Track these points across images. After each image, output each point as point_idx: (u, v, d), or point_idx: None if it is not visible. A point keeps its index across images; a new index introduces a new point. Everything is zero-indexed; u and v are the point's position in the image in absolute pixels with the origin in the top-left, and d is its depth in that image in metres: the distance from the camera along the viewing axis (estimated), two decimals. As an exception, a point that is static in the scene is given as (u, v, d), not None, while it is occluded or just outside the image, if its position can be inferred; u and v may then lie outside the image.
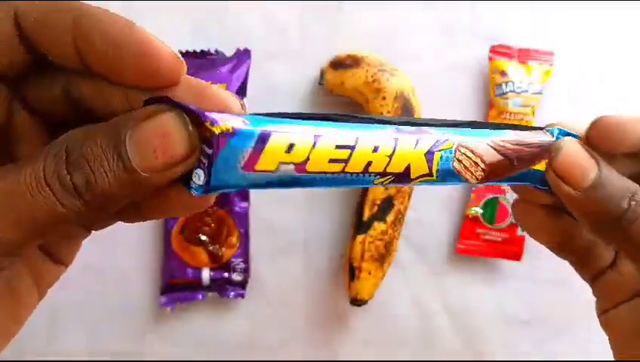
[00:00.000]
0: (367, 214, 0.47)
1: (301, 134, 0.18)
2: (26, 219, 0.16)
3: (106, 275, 0.49)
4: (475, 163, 0.22)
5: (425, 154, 0.20)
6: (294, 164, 0.18)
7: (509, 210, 0.51)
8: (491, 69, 0.50)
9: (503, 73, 0.49)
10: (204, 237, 0.49)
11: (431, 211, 0.52)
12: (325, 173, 0.18)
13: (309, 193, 0.51)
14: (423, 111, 0.48)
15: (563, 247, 0.26)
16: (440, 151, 0.21)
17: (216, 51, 0.48)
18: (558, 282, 0.51)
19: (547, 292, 0.52)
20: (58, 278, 0.21)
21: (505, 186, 0.51)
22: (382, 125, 0.20)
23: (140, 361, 0.50)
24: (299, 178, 0.18)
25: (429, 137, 0.21)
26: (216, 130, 0.16)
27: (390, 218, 0.47)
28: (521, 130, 0.23)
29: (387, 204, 0.47)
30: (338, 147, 0.18)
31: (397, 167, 0.20)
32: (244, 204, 0.50)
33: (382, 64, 0.47)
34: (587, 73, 0.51)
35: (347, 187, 0.20)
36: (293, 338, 0.51)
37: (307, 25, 0.50)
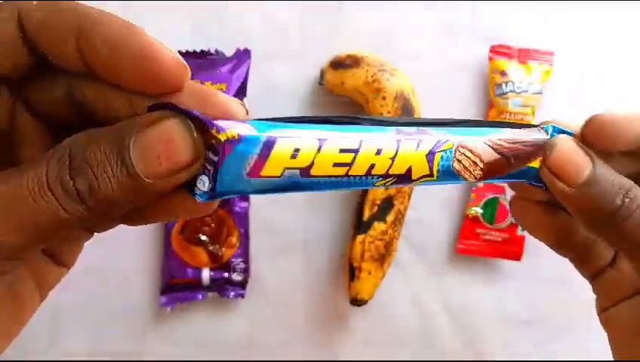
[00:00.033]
0: (367, 214, 0.47)
1: (306, 139, 0.18)
2: (29, 224, 0.16)
3: (106, 275, 0.49)
4: (474, 162, 0.22)
5: (426, 156, 0.20)
6: (299, 168, 0.18)
7: (509, 210, 0.51)
8: (491, 69, 0.50)
9: (503, 73, 0.49)
10: (204, 237, 0.49)
11: (431, 211, 0.52)
12: (329, 176, 0.18)
13: (310, 193, 0.50)
14: (423, 111, 0.48)
15: (561, 244, 0.26)
16: (441, 152, 0.21)
17: (216, 51, 0.48)
18: (558, 282, 0.51)
19: (547, 292, 0.52)
20: (60, 280, 0.21)
21: (505, 185, 0.51)
22: (383, 127, 0.20)
23: (140, 361, 0.50)
24: (303, 182, 0.18)
25: (430, 138, 0.21)
26: (222, 138, 0.16)
27: (390, 218, 0.47)
28: (518, 128, 0.23)
29: (387, 204, 0.47)
30: (342, 151, 0.18)
31: (399, 169, 0.20)
32: (244, 204, 0.50)
33: (382, 64, 0.47)
34: (587, 73, 0.52)
35: (349, 189, 0.20)
36: (293, 338, 0.51)
37: (307, 25, 0.50)
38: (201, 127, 0.16)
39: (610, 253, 0.26)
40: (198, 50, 0.47)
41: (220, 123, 0.16)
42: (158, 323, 0.50)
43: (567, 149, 0.22)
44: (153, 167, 0.16)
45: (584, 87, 0.51)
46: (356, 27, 0.50)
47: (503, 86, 0.49)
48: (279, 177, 0.17)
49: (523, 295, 0.52)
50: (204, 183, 0.17)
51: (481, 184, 0.50)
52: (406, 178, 0.20)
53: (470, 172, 0.22)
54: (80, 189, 0.16)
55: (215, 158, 0.16)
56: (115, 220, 0.21)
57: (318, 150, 0.18)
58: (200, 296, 0.49)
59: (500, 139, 0.22)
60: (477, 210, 0.51)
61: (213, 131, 0.16)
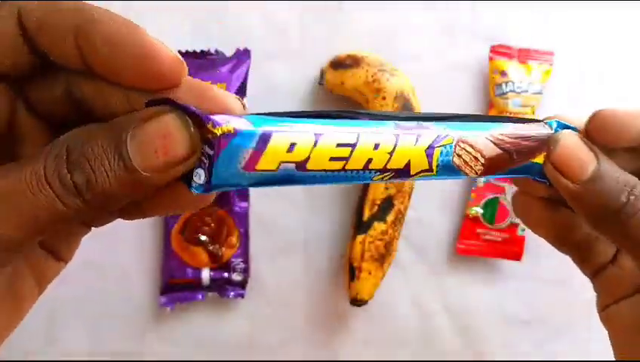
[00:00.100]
0: (367, 214, 0.47)
1: (302, 133, 0.18)
2: (27, 217, 0.16)
3: (106, 275, 0.49)
4: (475, 158, 0.22)
5: (425, 150, 0.20)
6: (295, 162, 0.18)
7: (510, 210, 0.51)
8: (491, 69, 0.50)
9: (503, 73, 0.49)
10: (204, 237, 0.49)
11: (431, 211, 0.52)
12: (326, 170, 0.18)
13: (309, 193, 0.51)
14: (423, 111, 0.48)
15: (563, 241, 0.26)
16: (440, 146, 0.21)
17: (216, 51, 0.48)
18: (558, 282, 0.51)
19: (547, 292, 0.52)
20: (58, 274, 0.22)
21: (505, 185, 0.51)
22: (382, 121, 0.20)
23: (140, 361, 0.50)
24: (299, 176, 0.18)
25: (430, 133, 0.21)
26: (218, 132, 0.16)
27: (390, 218, 0.47)
28: (521, 122, 0.23)
29: (387, 204, 0.47)
30: (339, 145, 0.18)
31: (397, 163, 0.20)
32: (244, 204, 0.50)
33: (382, 64, 0.47)
34: (587, 73, 0.52)
35: (346, 183, 0.20)
36: (293, 338, 0.51)
37: (307, 25, 0.50)
38: (198, 121, 0.17)
39: (612, 249, 0.25)
40: (198, 50, 0.47)
41: (216, 117, 0.17)
42: (158, 323, 0.50)
43: (572, 145, 0.22)
44: (150, 160, 0.16)
45: (584, 87, 0.51)
46: (356, 27, 0.50)
47: (503, 86, 0.49)
48: (275, 171, 0.18)
49: (523, 295, 0.52)
50: (200, 176, 0.17)
51: (481, 183, 0.50)
52: (405, 172, 0.20)
53: (471, 167, 0.22)
54: (77, 183, 0.16)
55: (211, 152, 0.17)
56: (112, 214, 0.21)
57: (315, 144, 0.18)
58: (200, 296, 0.49)
59: (502, 135, 0.22)
60: (477, 210, 0.51)
61: (209, 126, 0.16)
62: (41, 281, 0.21)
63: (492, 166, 0.22)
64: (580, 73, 0.51)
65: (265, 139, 0.17)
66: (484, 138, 0.22)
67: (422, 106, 0.48)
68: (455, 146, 0.21)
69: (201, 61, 0.47)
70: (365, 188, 0.48)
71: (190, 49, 0.47)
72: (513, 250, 0.51)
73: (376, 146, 0.19)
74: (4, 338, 0.20)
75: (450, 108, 0.51)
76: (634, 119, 0.22)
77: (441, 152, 0.21)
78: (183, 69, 0.18)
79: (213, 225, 0.49)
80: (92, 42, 0.17)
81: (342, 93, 0.48)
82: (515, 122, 0.23)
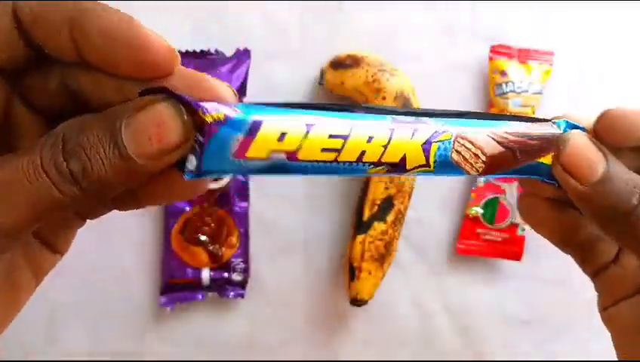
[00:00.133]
0: (367, 214, 0.47)
1: (293, 123, 0.18)
2: (25, 205, 0.17)
3: (106, 275, 0.49)
4: (475, 155, 0.21)
5: (422, 145, 0.20)
6: (286, 152, 0.18)
7: (510, 210, 0.51)
8: (491, 69, 0.50)
9: (503, 73, 0.49)
10: (204, 237, 0.49)
11: (431, 211, 0.52)
12: (318, 161, 0.18)
13: (309, 193, 0.51)
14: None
15: (567, 242, 0.26)
16: (438, 142, 0.20)
17: (216, 51, 0.48)
18: (558, 282, 0.51)
19: (547, 292, 0.52)
20: (54, 266, 0.22)
21: (505, 186, 0.51)
22: (379, 115, 0.20)
23: (140, 361, 0.50)
24: (290, 166, 0.18)
25: (427, 128, 0.20)
26: (208, 119, 0.17)
27: (390, 218, 0.47)
28: (527, 121, 0.23)
29: (387, 204, 0.47)
30: (331, 136, 0.18)
31: (392, 156, 0.20)
32: (244, 204, 0.50)
33: (382, 64, 0.47)
34: (587, 73, 0.52)
35: (341, 176, 0.20)
36: (293, 338, 0.51)
37: (307, 25, 0.50)
38: (190, 109, 0.17)
39: (614, 249, 0.25)
40: (198, 50, 0.47)
41: (206, 105, 0.17)
42: (158, 323, 0.50)
43: (581, 145, 0.22)
44: (145, 148, 0.17)
45: (584, 87, 0.51)
46: (356, 27, 0.50)
47: (503, 86, 0.49)
48: (266, 159, 0.18)
49: (523, 295, 0.52)
50: (191, 162, 0.17)
51: (481, 183, 0.50)
52: (400, 167, 0.20)
53: (471, 164, 0.21)
54: (74, 170, 0.16)
55: (202, 139, 0.17)
56: (107, 206, 0.21)
57: (306, 134, 0.18)
58: (200, 296, 0.49)
59: (506, 133, 0.22)
60: (477, 210, 0.51)
61: (200, 112, 0.17)
62: (37, 273, 0.21)
63: (494, 164, 0.22)
64: (580, 73, 0.51)
65: (255, 127, 0.17)
66: (485, 135, 0.21)
67: (422, 106, 0.48)
68: (454, 142, 0.21)
69: (201, 61, 0.47)
70: (365, 188, 0.48)
71: (190, 49, 0.47)
72: (513, 250, 0.51)
73: (370, 139, 0.19)
74: (2, 330, 0.20)
75: (450, 108, 0.51)
76: None
77: (439, 147, 0.20)
78: (175, 57, 0.18)
79: (213, 225, 0.49)
80: (87, 34, 0.17)
81: (342, 93, 0.48)
82: (522, 121, 0.22)
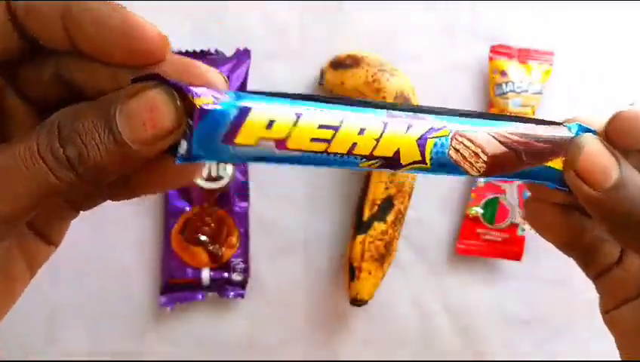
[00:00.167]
0: (367, 214, 0.47)
1: (282, 111, 0.18)
2: (22, 191, 0.17)
3: (106, 275, 0.49)
4: (475, 153, 0.21)
5: (416, 140, 0.20)
6: (275, 140, 0.18)
7: (510, 210, 0.51)
8: (491, 69, 0.50)
9: (503, 73, 0.49)
10: (204, 237, 0.49)
11: (431, 211, 0.52)
12: (307, 151, 0.18)
13: (309, 193, 0.51)
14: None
15: (571, 246, 0.25)
16: (434, 138, 0.20)
17: (216, 51, 0.48)
18: (558, 282, 0.51)
19: (547, 292, 0.52)
20: (48, 258, 0.22)
21: (505, 186, 0.51)
22: (374, 109, 0.20)
23: (140, 361, 0.50)
24: (280, 155, 0.18)
25: (423, 123, 0.20)
26: (198, 103, 0.17)
27: (390, 218, 0.47)
28: (541, 124, 0.22)
29: (387, 204, 0.47)
30: (321, 126, 0.18)
31: (385, 150, 0.19)
32: (244, 204, 0.50)
33: (382, 64, 0.47)
34: (587, 73, 0.52)
35: (332, 167, 0.20)
36: (293, 338, 0.51)
37: (307, 25, 0.50)
38: (182, 95, 0.17)
39: (617, 251, 0.25)
40: (198, 50, 0.47)
41: (197, 90, 0.17)
42: (158, 323, 0.50)
43: (595, 151, 0.21)
44: (139, 133, 0.17)
45: (584, 87, 0.51)
46: (356, 27, 0.50)
47: (503, 86, 0.49)
48: (254, 146, 0.18)
49: (523, 295, 0.52)
50: (182, 147, 0.17)
51: (481, 183, 0.50)
52: (394, 161, 0.20)
53: (471, 163, 0.21)
54: (70, 156, 0.17)
55: (192, 123, 0.17)
56: (101, 195, 0.21)
57: (295, 123, 0.18)
58: (200, 296, 0.49)
59: (510, 133, 0.21)
60: (477, 210, 0.51)
61: (190, 97, 0.17)
62: (32, 264, 0.21)
63: (496, 165, 0.21)
64: (580, 73, 0.51)
65: (243, 113, 0.17)
66: (485, 134, 0.21)
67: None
68: (452, 139, 0.20)
69: (201, 61, 0.47)
70: (365, 188, 0.48)
71: (190, 49, 0.47)
72: (513, 250, 0.51)
73: (362, 131, 0.19)
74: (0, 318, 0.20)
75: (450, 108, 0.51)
76: None
77: (435, 144, 0.20)
78: (167, 44, 0.19)
79: (213, 225, 0.49)
80: (79, 23, 0.17)
81: (342, 93, 0.48)
82: (530, 122, 0.22)
